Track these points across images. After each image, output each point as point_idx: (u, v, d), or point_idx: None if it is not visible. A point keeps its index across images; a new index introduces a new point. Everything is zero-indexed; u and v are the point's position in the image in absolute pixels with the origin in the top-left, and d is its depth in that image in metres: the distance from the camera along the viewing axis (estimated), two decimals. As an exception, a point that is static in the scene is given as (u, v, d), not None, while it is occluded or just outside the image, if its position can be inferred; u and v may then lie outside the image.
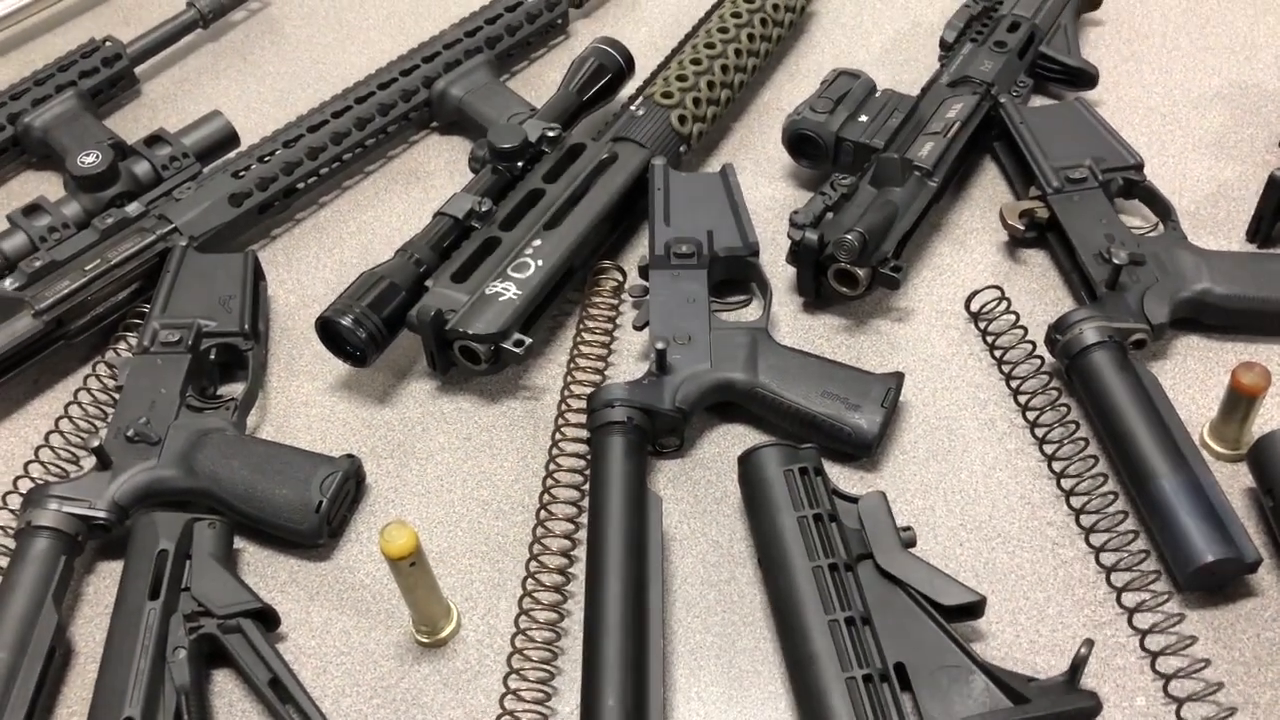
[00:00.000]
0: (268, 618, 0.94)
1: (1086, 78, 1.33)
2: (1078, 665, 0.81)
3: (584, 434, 1.04)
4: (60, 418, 1.10)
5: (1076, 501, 0.99)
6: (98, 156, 1.23)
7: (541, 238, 1.13)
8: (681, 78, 1.28)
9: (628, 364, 1.14)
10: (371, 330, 1.06)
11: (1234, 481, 1.00)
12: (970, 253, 1.22)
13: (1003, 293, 1.13)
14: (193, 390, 1.08)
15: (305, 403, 1.14)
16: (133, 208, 1.20)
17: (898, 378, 1.05)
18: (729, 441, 1.07)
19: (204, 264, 1.17)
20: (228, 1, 1.51)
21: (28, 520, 0.97)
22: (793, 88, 1.42)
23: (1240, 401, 0.97)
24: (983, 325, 1.13)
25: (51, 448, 1.08)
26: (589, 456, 1.03)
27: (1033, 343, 1.09)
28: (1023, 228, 1.18)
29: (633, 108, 1.26)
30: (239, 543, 1.03)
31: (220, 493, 1.01)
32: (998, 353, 1.11)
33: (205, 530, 0.97)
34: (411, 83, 1.35)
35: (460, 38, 1.39)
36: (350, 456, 1.04)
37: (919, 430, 1.07)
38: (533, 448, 1.08)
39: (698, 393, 1.04)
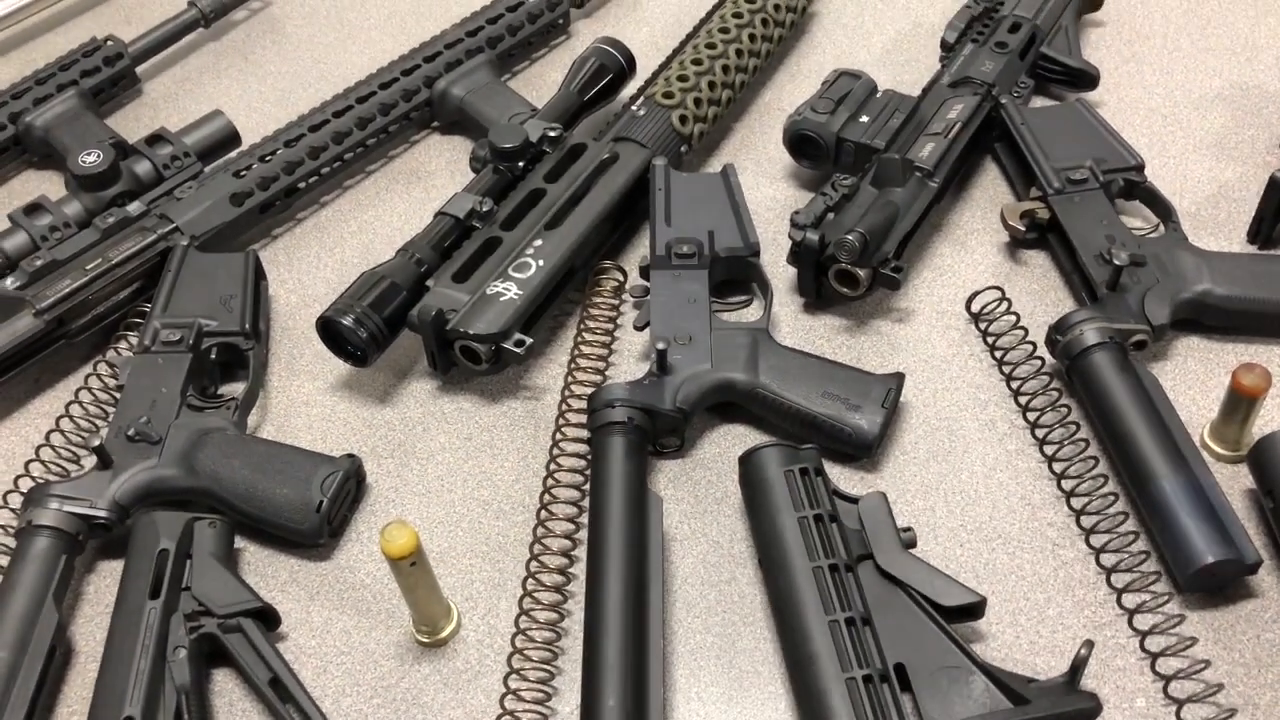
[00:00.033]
0: (268, 617, 0.94)
1: (1087, 79, 1.33)
2: (1078, 666, 0.81)
3: (584, 434, 1.04)
4: (61, 417, 1.10)
5: (1077, 502, 0.99)
6: (99, 156, 1.23)
7: (542, 238, 1.13)
8: (683, 78, 1.28)
9: (628, 364, 1.15)
10: (372, 330, 1.06)
11: (1234, 483, 1.00)
12: (971, 253, 1.22)
13: (1003, 293, 1.13)
14: (193, 389, 1.08)
15: (306, 402, 1.14)
16: (134, 207, 1.20)
17: (898, 378, 1.05)
18: (729, 442, 1.07)
19: (205, 263, 1.17)
20: (229, 1, 1.51)
21: (28, 519, 0.97)
22: (794, 88, 1.42)
23: (1241, 403, 0.97)
24: (983, 326, 1.13)
25: (52, 447, 1.08)
26: (589, 456, 1.03)
27: (1033, 343, 1.09)
28: (1023, 228, 1.18)
29: (634, 108, 1.26)
30: (240, 542, 1.03)
31: (221, 492, 1.01)
32: (998, 353, 1.11)
33: (206, 530, 0.97)
34: (413, 82, 1.35)
35: (461, 37, 1.39)
36: (351, 456, 1.04)
37: (919, 431, 1.07)
38: (533, 448, 1.08)
39: (698, 393, 1.04)
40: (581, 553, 0.97)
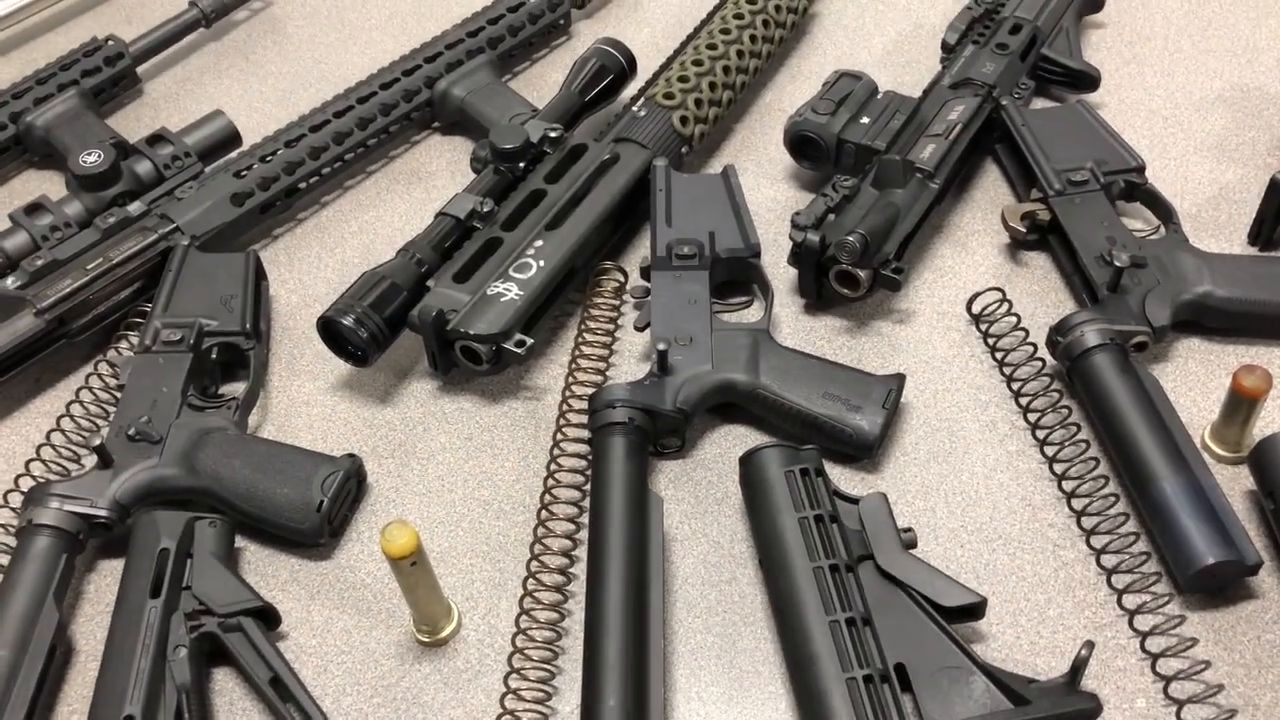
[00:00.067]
0: (268, 616, 0.94)
1: (1088, 80, 1.33)
2: (1078, 667, 0.81)
3: (585, 434, 1.04)
4: (62, 416, 1.10)
5: (1077, 503, 0.99)
6: (100, 155, 1.23)
7: (543, 238, 1.14)
8: (683, 79, 1.28)
9: (629, 365, 1.15)
10: (373, 330, 1.06)
11: (1235, 484, 1.00)
12: (972, 255, 1.22)
13: (1004, 295, 1.13)
14: (194, 389, 1.08)
15: (306, 402, 1.14)
16: (134, 207, 1.20)
17: (899, 379, 1.05)
18: (730, 442, 1.07)
19: (206, 263, 1.17)
20: (230, 1, 1.51)
21: (29, 518, 0.97)
22: (794, 89, 1.42)
23: (1241, 404, 0.97)
24: (984, 327, 1.13)
25: (53, 446, 1.08)
26: (590, 457, 1.03)
27: (1034, 345, 1.09)
28: (1024, 230, 1.18)
29: (634, 109, 1.26)
30: (240, 541, 1.03)
31: (221, 492, 1.01)
32: (999, 355, 1.11)
33: (206, 529, 0.97)
34: (414, 83, 1.35)
35: (462, 38, 1.39)
36: (351, 456, 1.04)
37: (920, 432, 1.07)
38: (534, 448, 1.08)
39: (699, 394, 1.04)
40: (582, 553, 0.97)
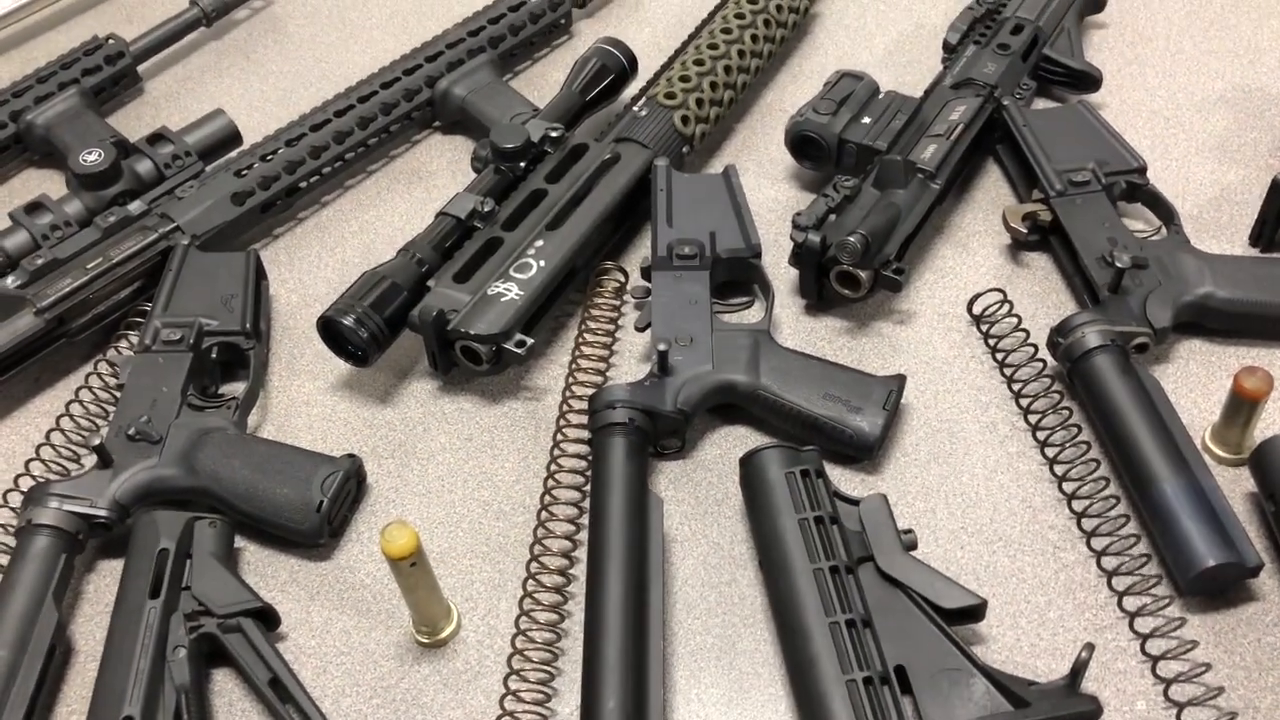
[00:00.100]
0: (268, 617, 0.94)
1: (1090, 81, 1.33)
2: (1078, 669, 0.81)
3: (585, 435, 1.04)
4: (61, 416, 1.10)
5: (1078, 505, 0.99)
6: (100, 154, 1.23)
7: (544, 238, 1.13)
8: (684, 78, 1.27)
9: (629, 365, 1.14)
10: (373, 330, 1.06)
11: (1236, 486, 1.00)
12: (973, 255, 1.21)
13: (1005, 295, 1.13)
14: (194, 389, 1.08)
15: (306, 402, 1.14)
16: (135, 206, 1.20)
17: (899, 380, 1.05)
18: (730, 443, 1.07)
19: (206, 262, 1.17)
20: (230, 0, 1.51)
21: (28, 518, 0.97)
22: (796, 89, 1.42)
23: (1242, 406, 0.97)
24: (985, 328, 1.13)
25: (53, 446, 1.08)
26: (590, 458, 1.03)
27: (1035, 346, 1.09)
28: (1025, 231, 1.17)
29: (635, 108, 1.26)
30: (240, 542, 1.02)
31: (221, 492, 1.01)
32: (1000, 356, 1.11)
33: (206, 529, 0.97)
34: (414, 82, 1.35)
35: (463, 37, 1.39)
36: (351, 456, 1.04)
37: (920, 433, 1.07)
38: (534, 448, 1.08)
39: (699, 394, 1.04)
40: (582, 554, 0.97)
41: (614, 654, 0.85)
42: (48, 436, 1.09)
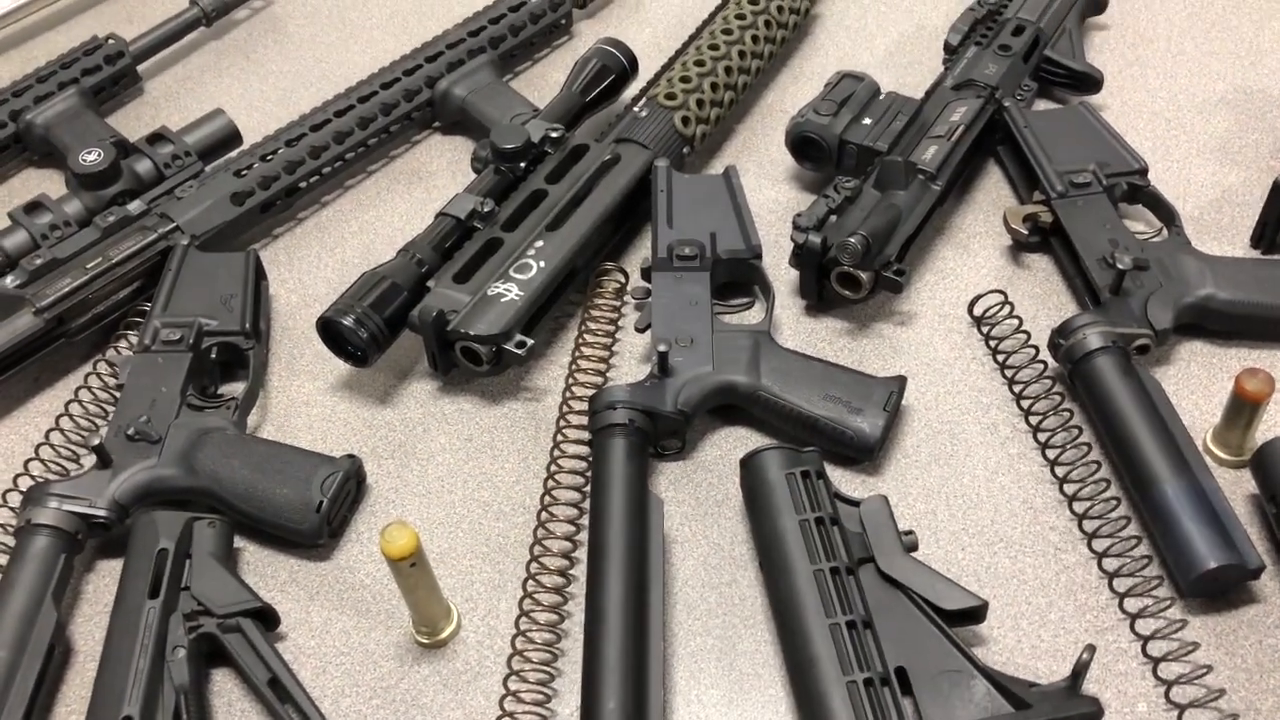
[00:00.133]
0: (267, 617, 0.94)
1: (1091, 82, 1.33)
2: (1079, 671, 0.81)
3: (585, 436, 1.04)
4: (61, 416, 1.10)
5: (1079, 506, 0.99)
6: (99, 154, 1.23)
7: (544, 239, 1.13)
8: (685, 79, 1.27)
9: (630, 366, 1.14)
10: (373, 330, 1.06)
11: (1237, 488, 1.00)
12: (973, 257, 1.21)
13: (1006, 297, 1.13)
14: (193, 389, 1.08)
15: (306, 402, 1.14)
16: (134, 206, 1.20)
17: (900, 381, 1.05)
18: (730, 444, 1.07)
19: (205, 262, 1.17)
20: (230, 0, 1.51)
21: (28, 518, 0.97)
22: (796, 90, 1.42)
23: (1244, 408, 0.97)
24: (986, 329, 1.13)
25: (52, 446, 1.08)
26: (590, 458, 1.02)
27: (1036, 347, 1.09)
28: (1026, 232, 1.17)
29: (636, 109, 1.26)
30: (239, 542, 1.02)
31: (220, 492, 1.01)
32: (1000, 357, 1.11)
33: (205, 529, 0.97)
34: (414, 82, 1.35)
35: (464, 37, 1.39)
36: (351, 456, 1.04)
37: (921, 434, 1.07)
38: (534, 449, 1.08)
39: (700, 395, 1.04)
40: (582, 554, 0.97)
41: (614, 655, 0.85)
42: (47, 436, 1.09)
